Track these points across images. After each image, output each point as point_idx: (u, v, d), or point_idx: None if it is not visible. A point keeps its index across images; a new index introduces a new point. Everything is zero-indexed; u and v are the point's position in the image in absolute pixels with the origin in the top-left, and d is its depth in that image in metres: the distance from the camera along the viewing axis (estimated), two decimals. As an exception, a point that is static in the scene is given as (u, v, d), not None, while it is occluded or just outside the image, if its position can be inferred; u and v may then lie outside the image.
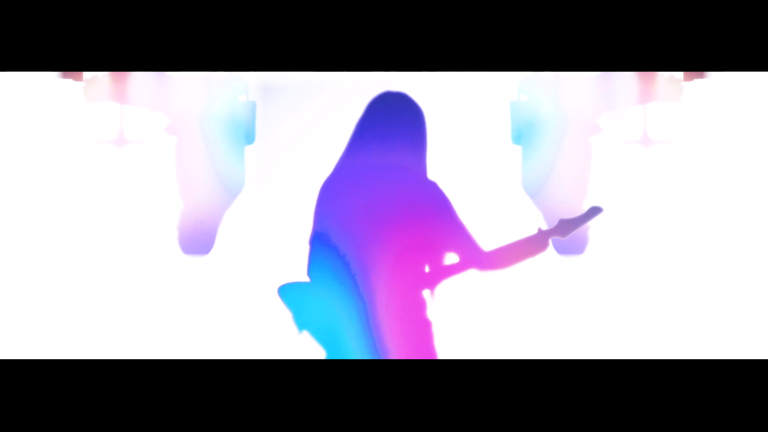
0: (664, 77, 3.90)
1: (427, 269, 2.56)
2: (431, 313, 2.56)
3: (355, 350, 2.51)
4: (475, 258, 2.55)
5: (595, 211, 2.59)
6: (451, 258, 2.59)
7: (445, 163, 4.25)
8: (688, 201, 3.99)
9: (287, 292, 2.60)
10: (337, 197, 2.58)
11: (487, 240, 2.64)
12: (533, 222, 3.85)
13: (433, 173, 2.63)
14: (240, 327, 4.34)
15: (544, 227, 2.72)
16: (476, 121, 4.48)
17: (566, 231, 2.60)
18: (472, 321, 4.30)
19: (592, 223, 2.80)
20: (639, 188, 4.02)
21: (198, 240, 3.95)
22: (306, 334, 2.58)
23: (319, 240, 2.59)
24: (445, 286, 2.59)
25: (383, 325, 2.49)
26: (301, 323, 2.58)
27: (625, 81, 3.90)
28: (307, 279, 2.61)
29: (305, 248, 2.61)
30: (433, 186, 2.58)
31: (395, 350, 2.49)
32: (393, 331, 2.49)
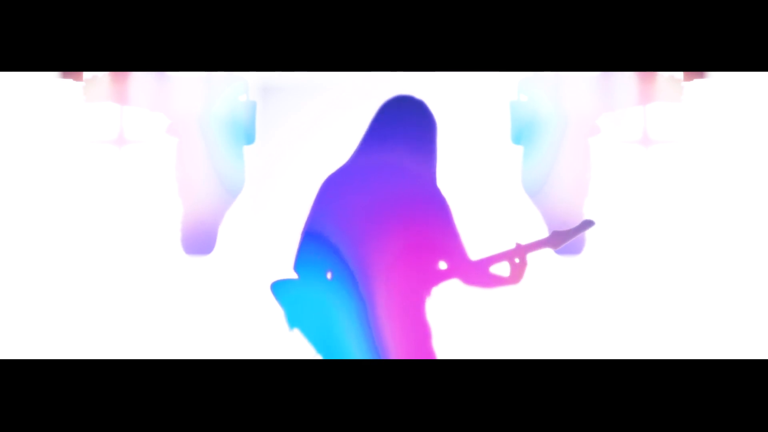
0: (664, 77, 3.89)
1: (424, 271, 2.56)
2: (429, 315, 2.57)
3: (348, 350, 2.51)
4: (461, 268, 2.57)
5: (587, 224, 2.62)
6: (443, 262, 2.60)
7: (445, 163, 4.24)
8: (688, 201, 3.99)
9: (280, 288, 2.60)
10: (338, 195, 2.58)
11: (488, 240, 2.65)
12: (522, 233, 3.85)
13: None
14: (241, 327, 4.33)
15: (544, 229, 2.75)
16: (476, 121, 4.47)
17: (558, 243, 2.62)
18: (468, 321, 4.30)
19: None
20: (639, 188, 4.02)
21: (199, 240, 3.95)
22: (297, 332, 2.57)
23: (312, 235, 2.59)
24: (443, 286, 2.60)
25: (381, 325, 2.49)
26: (293, 321, 2.57)
27: (625, 81, 3.90)
28: (294, 273, 2.62)
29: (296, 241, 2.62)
30: (436, 191, 2.59)
31: (393, 350, 2.49)
32: (391, 331, 2.50)
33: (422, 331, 2.54)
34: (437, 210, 2.57)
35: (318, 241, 2.57)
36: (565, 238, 2.62)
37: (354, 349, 2.50)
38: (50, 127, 3.95)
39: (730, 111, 3.93)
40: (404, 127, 2.62)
